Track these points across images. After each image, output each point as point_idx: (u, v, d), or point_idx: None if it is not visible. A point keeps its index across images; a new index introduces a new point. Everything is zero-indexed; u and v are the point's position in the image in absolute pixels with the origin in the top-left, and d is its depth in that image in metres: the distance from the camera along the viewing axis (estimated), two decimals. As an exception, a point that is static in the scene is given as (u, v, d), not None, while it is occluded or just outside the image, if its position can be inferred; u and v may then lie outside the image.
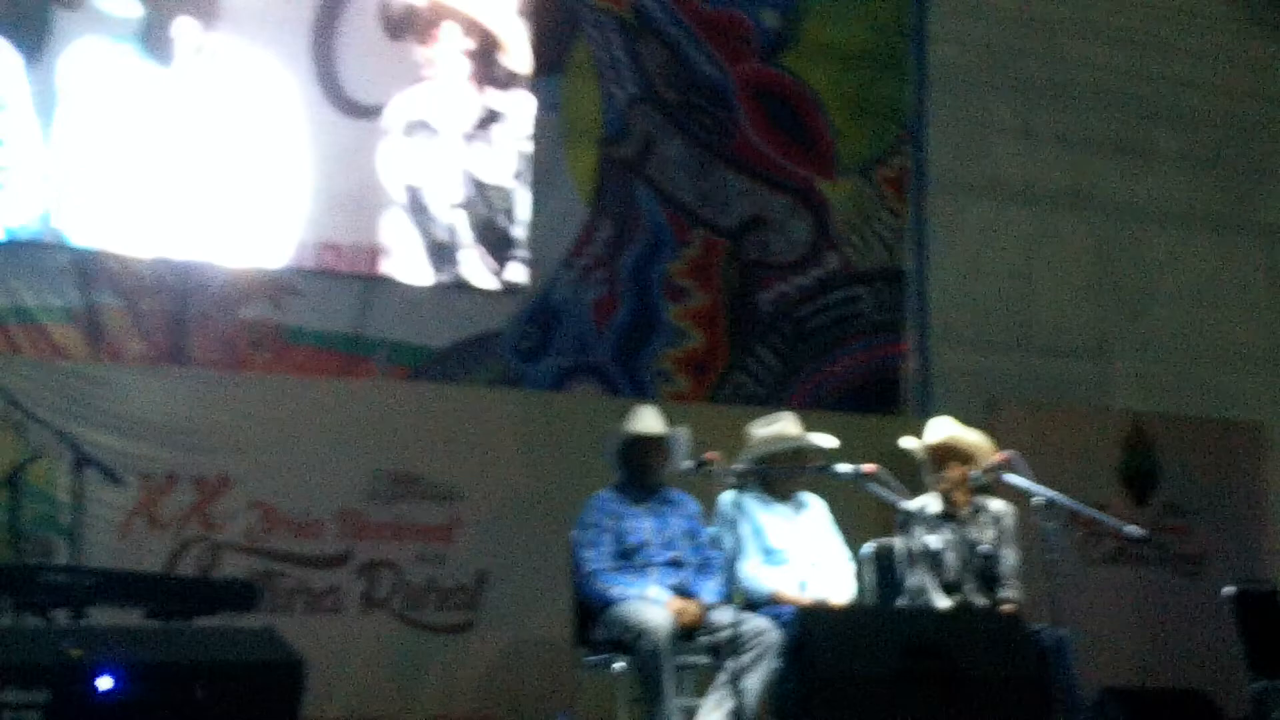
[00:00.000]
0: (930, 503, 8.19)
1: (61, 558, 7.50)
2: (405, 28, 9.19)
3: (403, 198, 9.09)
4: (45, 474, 7.67)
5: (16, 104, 8.24)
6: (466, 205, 9.26)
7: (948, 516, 8.19)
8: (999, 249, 10.71)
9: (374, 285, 9.01)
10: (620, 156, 9.81)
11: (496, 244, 9.32)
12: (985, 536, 8.18)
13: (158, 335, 8.53)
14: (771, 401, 9.49)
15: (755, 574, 7.93)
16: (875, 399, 10.23)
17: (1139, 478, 10.53)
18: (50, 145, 8.27)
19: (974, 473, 8.19)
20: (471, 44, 9.35)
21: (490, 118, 9.36)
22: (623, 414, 8.14)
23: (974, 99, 10.77)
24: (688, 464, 7.86)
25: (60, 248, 8.30)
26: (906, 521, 7.94)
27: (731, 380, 9.92)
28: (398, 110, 9.11)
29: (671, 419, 8.09)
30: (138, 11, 8.54)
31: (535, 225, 9.44)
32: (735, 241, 10.05)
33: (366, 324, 9.00)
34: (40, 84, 8.31)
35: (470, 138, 9.30)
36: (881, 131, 10.55)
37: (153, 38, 8.56)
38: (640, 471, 8.05)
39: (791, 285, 10.15)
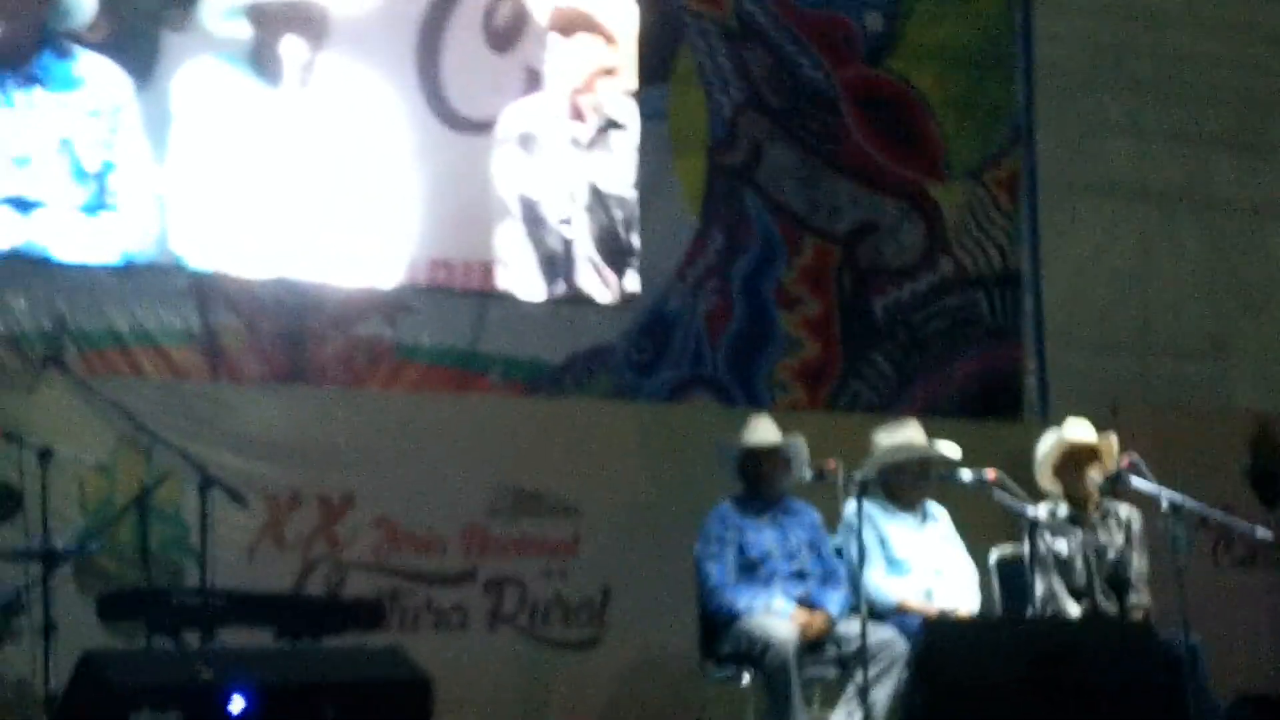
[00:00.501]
0: (1057, 507, 8.12)
1: (190, 579, 7.53)
2: (512, 38, 9.16)
3: (517, 211, 9.06)
4: (173, 496, 7.70)
5: (128, 127, 8.28)
6: (586, 215, 9.21)
7: (1075, 521, 8.12)
8: (1114, 249, 10.56)
9: (488, 301, 8.99)
10: (728, 165, 9.74)
11: (615, 254, 9.27)
12: (1114, 540, 8.11)
13: (276, 355, 8.54)
14: (888, 409, 9.42)
15: (881, 584, 7.90)
16: (994, 404, 10.09)
17: (1267, 479, 10.37)
18: (164, 168, 8.31)
19: (1095, 476, 8.13)
20: (584, 45, 9.28)
21: (609, 125, 9.32)
22: (740, 424, 8.14)
23: (1083, 97, 10.63)
24: (808, 473, 7.83)
25: (178, 270, 8.33)
26: (1034, 527, 7.85)
27: (847, 388, 9.82)
28: (509, 122, 9.08)
29: (787, 428, 8.08)
30: (247, 32, 8.54)
31: (645, 236, 9.39)
32: (847, 248, 9.95)
33: (481, 340, 8.97)
34: (151, 107, 8.34)
35: (589, 146, 9.26)
36: (990, 133, 10.43)
37: (262, 58, 8.57)
38: (759, 482, 8.06)
39: (905, 291, 10.03)
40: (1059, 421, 8.47)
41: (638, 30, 9.45)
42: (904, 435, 8.19)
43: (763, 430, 8.04)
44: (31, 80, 8.09)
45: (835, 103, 10.05)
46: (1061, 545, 8.05)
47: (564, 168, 9.20)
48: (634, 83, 9.42)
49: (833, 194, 9.95)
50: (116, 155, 8.21)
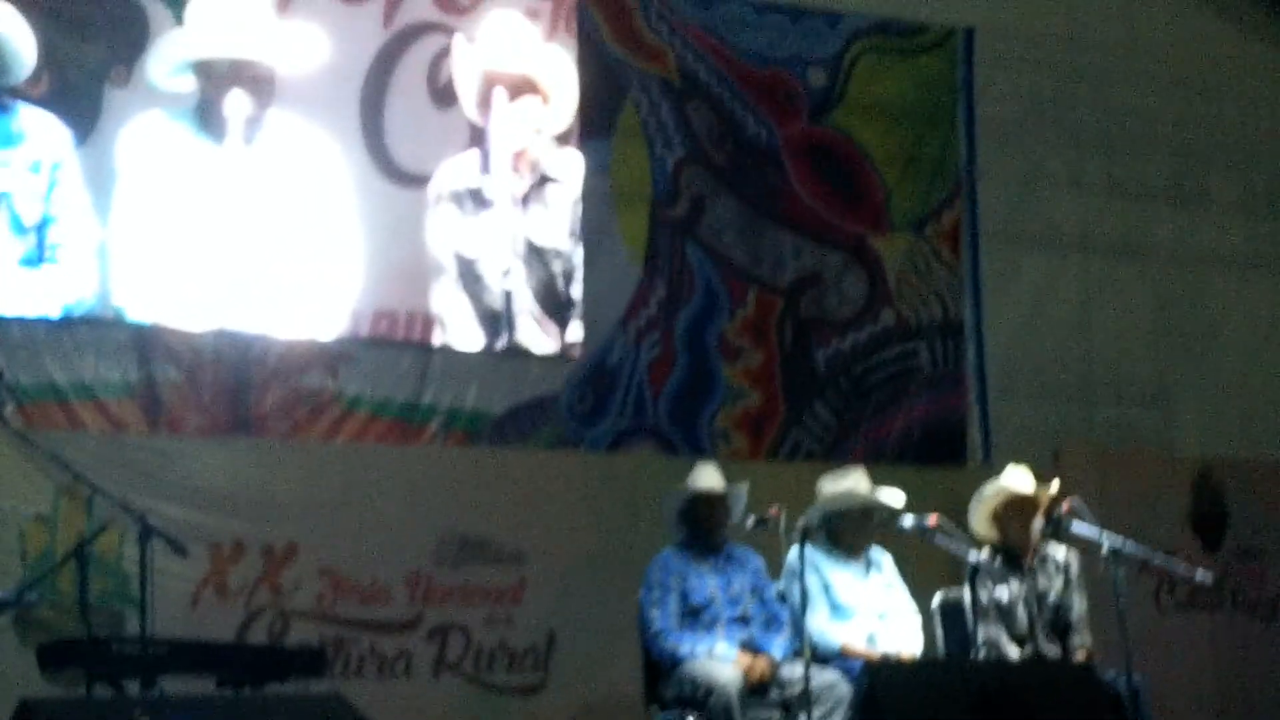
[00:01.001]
0: (996, 555, 8.14)
1: (132, 629, 7.48)
2: (455, 94, 9.20)
3: (454, 267, 9.07)
4: (113, 546, 7.71)
5: (68, 181, 8.28)
6: (524, 269, 9.23)
7: (1014, 566, 8.14)
8: (1056, 299, 10.64)
9: (430, 352, 9.00)
10: (671, 218, 9.77)
11: (555, 306, 9.29)
12: (1053, 584, 8.14)
13: (216, 407, 8.53)
14: (830, 458, 9.44)
15: (824, 628, 7.90)
16: (937, 451, 10.11)
17: (1208, 523, 10.43)
18: (107, 221, 8.30)
19: (1036, 524, 8.17)
20: (525, 106, 9.32)
21: (544, 180, 9.35)
22: (683, 474, 8.17)
23: (1024, 151, 10.72)
24: (750, 520, 7.85)
25: (118, 323, 8.32)
26: (975, 573, 7.88)
27: (789, 438, 9.83)
28: (448, 177, 9.12)
29: (731, 477, 8.10)
30: (191, 88, 8.56)
31: (588, 288, 9.41)
32: (790, 299, 9.98)
33: (424, 391, 8.98)
34: (93, 161, 8.35)
35: (526, 201, 9.29)
36: (933, 186, 10.46)
37: (207, 114, 8.57)
38: (703, 529, 8.07)
39: (848, 342, 10.06)
40: (1003, 467, 8.50)
41: (580, 84, 9.49)
42: (848, 482, 8.21)
43: (709, 477, 8.07)
44: (-29, 137, 8.12)
45: (778, 157, 10.09)
46: (1002, 593, 8.07)
47: (501, 223, 9.21)
48: (563, 129, 9.41)
49: (775, 246, 9.98)
50: (56, 209, 8.22)
